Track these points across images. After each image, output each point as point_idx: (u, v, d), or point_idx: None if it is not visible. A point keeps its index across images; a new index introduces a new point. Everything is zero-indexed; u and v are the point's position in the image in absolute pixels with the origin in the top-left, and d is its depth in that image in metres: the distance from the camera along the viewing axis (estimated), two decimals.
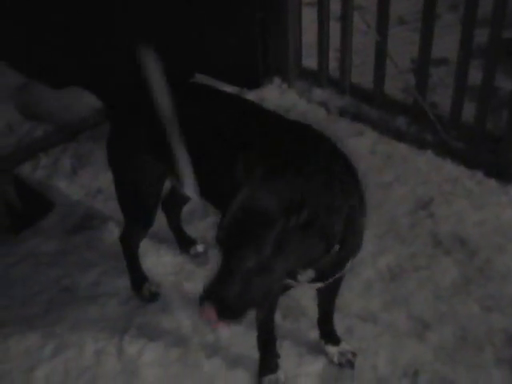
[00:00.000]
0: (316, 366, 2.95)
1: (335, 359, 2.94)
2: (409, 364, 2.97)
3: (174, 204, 3.40)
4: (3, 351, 3.11)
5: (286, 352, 2.96)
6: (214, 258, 3.21)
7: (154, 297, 3.27)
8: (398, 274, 3.36)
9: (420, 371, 2.93)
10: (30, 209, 3.89)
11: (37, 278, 3.48)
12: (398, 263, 3.41)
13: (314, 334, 2.99)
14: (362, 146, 4.23)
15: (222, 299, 1.98)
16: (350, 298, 3.14)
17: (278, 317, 2.86)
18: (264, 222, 1.93)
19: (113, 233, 3.65)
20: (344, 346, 2.97)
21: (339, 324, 3.04)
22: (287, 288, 2.45)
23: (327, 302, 2.88)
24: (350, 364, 2.93)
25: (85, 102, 4.69)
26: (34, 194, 4.00)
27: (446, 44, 4.47)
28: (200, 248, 3.53)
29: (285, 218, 1.92)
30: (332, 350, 2.96)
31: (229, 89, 4.29)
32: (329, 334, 2.98)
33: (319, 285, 2.45)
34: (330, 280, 2.41)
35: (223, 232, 2.00)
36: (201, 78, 4.67)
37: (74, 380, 2.96)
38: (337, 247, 2.17)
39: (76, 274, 3.46)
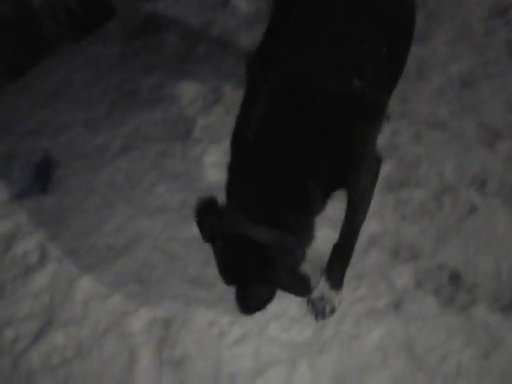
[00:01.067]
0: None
1: (315, 300, 2.51)
2: (476, 173, 2.85)
3: None
4: (67, 154, 3.08)
5: None
6: None
7: None
8: (469, 81, 3.16)
9: (488, 180, 2.81)
10: (91, 14, 3.72)
11: (99, 82, 3.38)
12: (471, 70, 3.19)
13: None
14: None
15: None
16: (418, 103, 2.98)
17: None
18: None
19: (176, 36, 3.50)
20: (338, 295, 2.52)
21: (406, 130, 2.90)
22: None
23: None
24: (321, 314, 2.49)
25: None
26: None
27: None
28: None
29: None
30: (324, 289, 2.51)
31: None
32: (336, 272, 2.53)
33: None
34: None
35: None
36: None
37: (136, 181, 2.94)
38: None
39: (138, 77, 3.35)
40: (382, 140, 2.87)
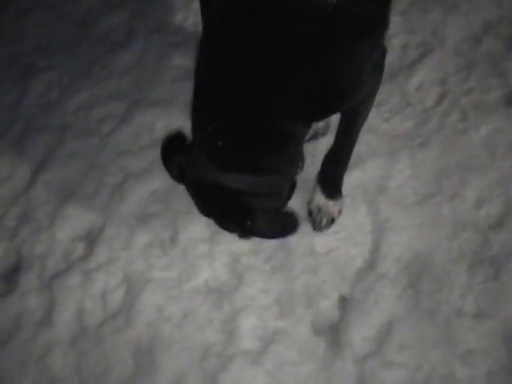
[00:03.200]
0: None
1: (312, 210, 2.11)
2: None
3: None
4: None
5: None
6: None
7: None
8: None
9: None
10: None
11: None
12: None
13: None
14: None
15: None
16: None
17: None
18: None
19: None
20: (336, 205, 2.09)
21: None
22: None
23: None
24: (318, 226, 2.09)
25: None
26: None
27: None
28: None
29: None
30: (319, 200, 2.09)
31: None
32: (331, 181, 2.09)
33: None
34: None
35: None
36: None
37: None
38: None
39: None
40: None
